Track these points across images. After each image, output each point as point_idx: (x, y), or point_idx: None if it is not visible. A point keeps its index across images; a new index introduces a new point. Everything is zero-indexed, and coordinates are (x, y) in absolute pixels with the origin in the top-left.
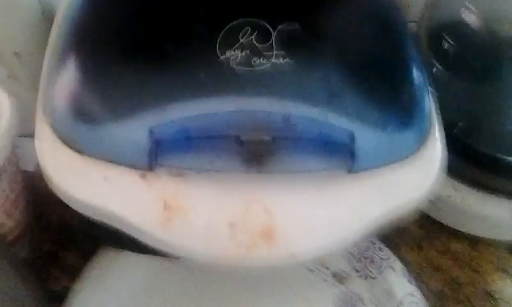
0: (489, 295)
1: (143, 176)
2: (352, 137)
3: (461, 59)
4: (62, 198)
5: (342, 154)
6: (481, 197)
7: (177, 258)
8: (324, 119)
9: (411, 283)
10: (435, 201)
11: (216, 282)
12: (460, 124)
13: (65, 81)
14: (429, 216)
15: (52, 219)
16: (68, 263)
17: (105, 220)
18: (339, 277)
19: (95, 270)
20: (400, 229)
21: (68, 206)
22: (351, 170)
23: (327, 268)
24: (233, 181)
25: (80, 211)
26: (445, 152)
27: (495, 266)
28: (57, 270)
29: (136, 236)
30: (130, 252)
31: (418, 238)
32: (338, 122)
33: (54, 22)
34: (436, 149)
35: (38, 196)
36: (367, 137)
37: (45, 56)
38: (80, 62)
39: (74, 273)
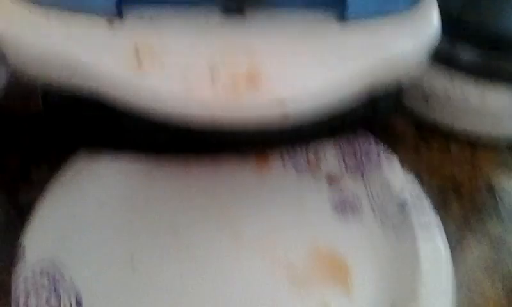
0: (491, 190)
1: (111, 22)
2: None
3: None
4: (24, 60)
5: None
6: (480, 88)
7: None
8: None
9: (409, 176)
10: (430, 98)
11: (201, 188)
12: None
13: None
14: (424, 117)
15: (22, 137)
16: (38, 177)
17: (73, 78)
18: (332, 178)
19: (68, 175)
20: (395, 133)
21: (38, 121)
22: (341, 17)
23: (319, 169)
24: (213, 25)
25: (47, 72)
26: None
27: (496, 163)
28: (27, 184)
29: (107, 90)
30: (106, 156)
31: (414, 141)
32: None
33: None
34: (431, 9)
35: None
36: None
37: None
38: None
39: (44, 186)
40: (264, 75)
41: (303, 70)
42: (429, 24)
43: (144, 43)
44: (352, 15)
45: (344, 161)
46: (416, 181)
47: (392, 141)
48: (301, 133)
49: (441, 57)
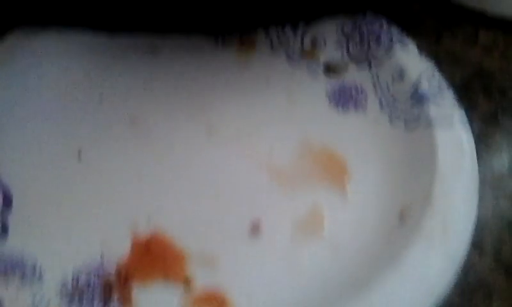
0: None
1: None
2: None
3: None
4: None
5: None
6: None
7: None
8: None
9: (428, 61)
10: None
11: (169, 71)
12: None
13: None
14: (449, 0)
15: None
16: None
17: None
18: (332, 67)
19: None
20: (412, 19)
21: None
22: None
23: (316, 57)
24: None
25: None
26: None
27: None
28: None
29: None
30: (49, 32)
31: (435, 29)
32: None
33: None
34: None
35: None
36: None
37: None
38: None
39: None
40: None
41: None
42: None
43: None
44: None
45: (348, 47)
46: (437, 70)
47: (408, 29)
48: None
49: None
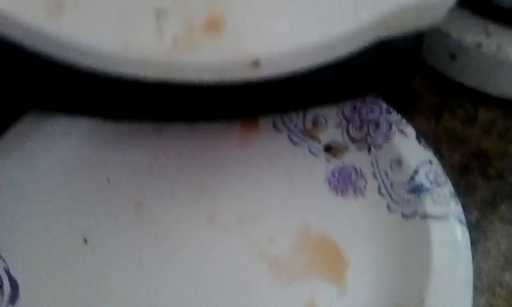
0: None
1: None
2: None
3: None
4: None
5: None
6: None
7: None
8: None
9: (427, 150)
10: (458, 55)
11: (173, 156)
12: None
13: None
14: (449, 78)
15: None
16: None
17: None
18: (333, 151)
19: (10, 139)
20: (412, 96)
21: None
22: None
23: (317, 140)
24: None
25: None
26: None
27: None
28: None
29: (20, 41)
30: (58, 118)
31: (435, 106)
32: None
33: None
34: None
35: None
36: None
37: None
38: None
39: None
40: (230, 21)
41: (283, 14)
42: None
43: None
44: None
45: (348, 132)
46: (436, 160)
47: (408, 106)
48: (294, 95)
49: (474, 4)
